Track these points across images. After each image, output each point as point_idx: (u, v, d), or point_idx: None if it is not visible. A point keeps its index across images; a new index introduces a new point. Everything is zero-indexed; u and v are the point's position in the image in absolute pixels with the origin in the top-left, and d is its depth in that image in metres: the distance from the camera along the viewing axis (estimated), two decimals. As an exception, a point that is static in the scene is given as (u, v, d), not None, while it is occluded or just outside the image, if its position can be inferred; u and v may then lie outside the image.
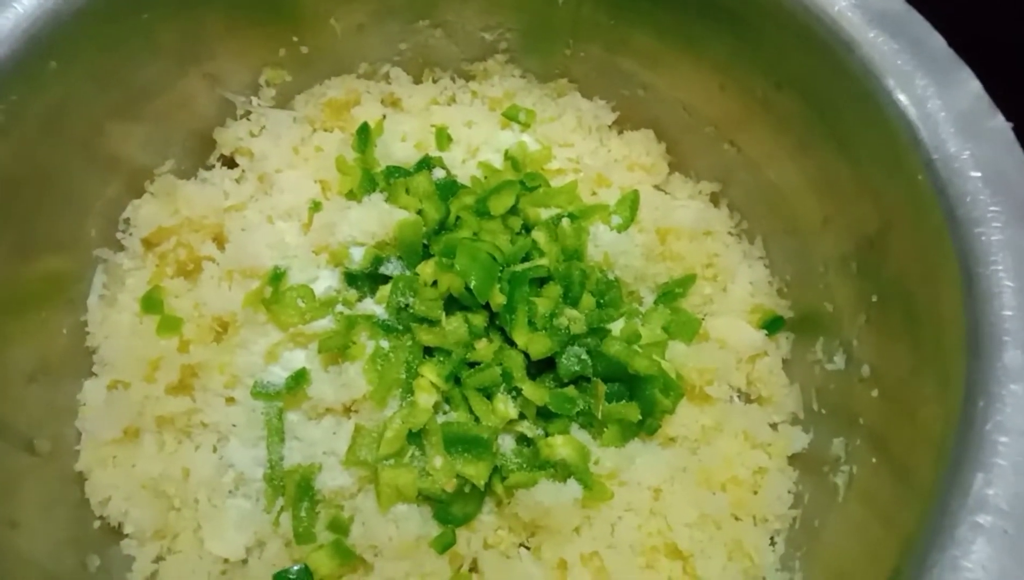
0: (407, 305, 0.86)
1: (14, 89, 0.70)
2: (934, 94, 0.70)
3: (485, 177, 1.00)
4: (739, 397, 0.95)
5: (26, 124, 0.72)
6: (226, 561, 0.82)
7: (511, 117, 1.06)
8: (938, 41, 0.73)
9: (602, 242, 0.94)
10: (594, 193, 1.03)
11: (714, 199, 1.04)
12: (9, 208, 0.75)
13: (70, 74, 0.75)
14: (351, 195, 0.94)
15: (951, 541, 0.53)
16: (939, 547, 0.53)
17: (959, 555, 0.53)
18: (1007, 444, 0.55)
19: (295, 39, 0.96)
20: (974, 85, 0.70)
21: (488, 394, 0.84)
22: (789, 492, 0.86)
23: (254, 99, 0.99)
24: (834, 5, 0.75)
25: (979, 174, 0.66)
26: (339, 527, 0.80)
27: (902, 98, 0.71)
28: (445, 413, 0.84)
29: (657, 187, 1.06)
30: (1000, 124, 0.68)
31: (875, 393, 0.76)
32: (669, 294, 0.97)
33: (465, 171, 1.01)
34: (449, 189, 0.95)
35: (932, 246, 0.67)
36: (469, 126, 1.05)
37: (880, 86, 0.72)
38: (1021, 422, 0.56)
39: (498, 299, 0.86)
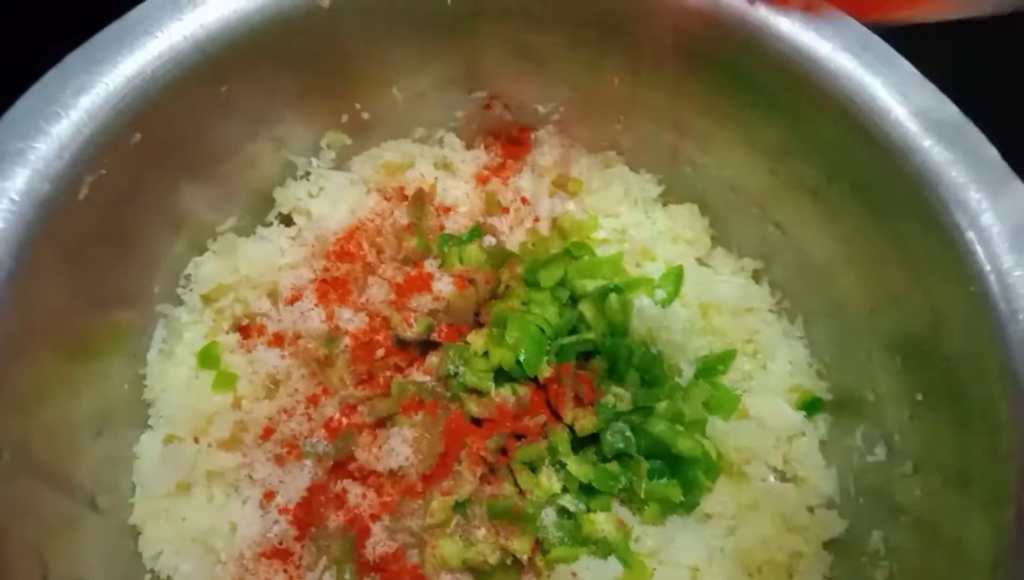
0: (456, 373, 0.88)
1: (102, 163, 0.73)
2: (988, 207, 0.72)
3: (533, 244, 1.02)
4: (775, 476, 0.96)
5: (109, 193, 0.75)
6: (269, 618, 0.84)
7: (559, 186, 1.09)
8: (992, 153, 0.74)
9: (646, 316, 0.96)
10: (638, 265, 1.05)
11: (755, 276, 1.06)
12: (87, 265, 0.78)
13: (151, 144, 0.78)
14: (406, 261, 0.97)
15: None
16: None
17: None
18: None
19: (358, 106, 0.99)
20: (1027, 199, 0.72)
21: (533, 467, 0.86)
22: (825, 577, 0.87)
23: (314, 160, 1.02)
24: (891, 111, 0.77)
25: (1032, 291, 0.67)
26: (382, 592, 0.82)
27: (956, 208, 0.72)
28: (490, 484, 0.86)
29: (699, 260, 1.08)
30: (1053, 240, 0.70)
31: (918, 493, 0.77)
32: (710, 369, 0.98)
33: (514, 237, 1.03)
34: (499, 257, 0.98)
35: (983, 357, 0.69)
36: (518, 193, 1.08)
37: (934, 194, 0.74)
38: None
39: (546, 373, 0.88)
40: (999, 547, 0.61)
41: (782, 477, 0.96)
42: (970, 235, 0.71)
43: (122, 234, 0.83)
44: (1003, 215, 0.71)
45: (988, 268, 0.70)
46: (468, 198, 1.05)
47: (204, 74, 0.79)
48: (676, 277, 1.01)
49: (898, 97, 0.77)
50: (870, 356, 0.89)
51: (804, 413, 0.97)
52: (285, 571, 0.86)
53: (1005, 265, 0.69)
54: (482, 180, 1.08)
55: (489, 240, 1.00)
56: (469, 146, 1.11)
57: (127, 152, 0.75)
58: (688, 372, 0.99)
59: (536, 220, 1.06)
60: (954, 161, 0.74)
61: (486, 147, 1.11)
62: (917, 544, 0.76)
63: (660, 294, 1.00)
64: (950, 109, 0.77)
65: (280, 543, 0.87)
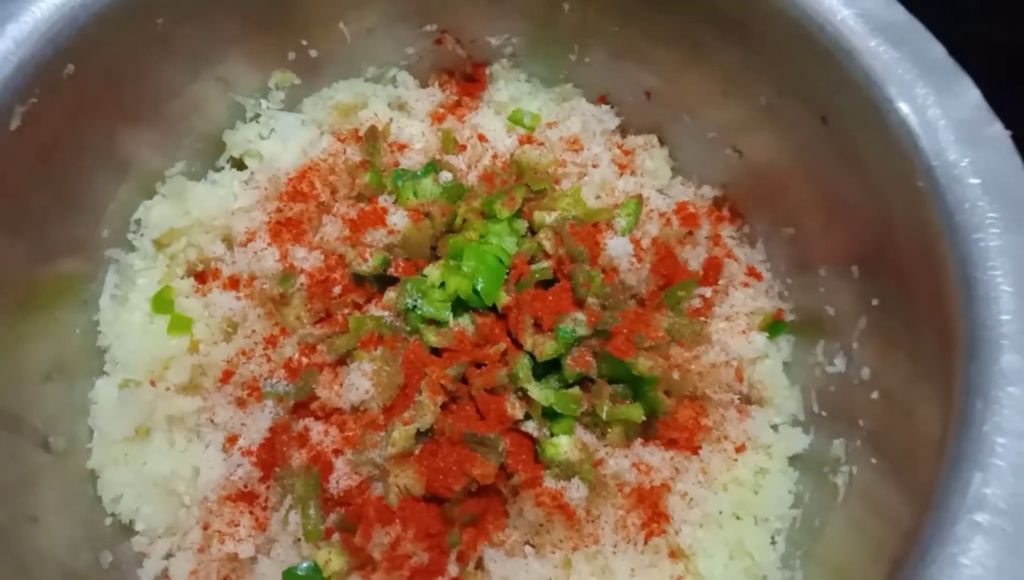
0: (415, 306, 0.87)
1: (33, 92, 0.71)
2: (934, 103, 0.71)
3: (491, 180, 1.01)
4: (740, 399, 0.96)
5: (44, 127, 0.74)
6: (236, 558, 0.83)
7: (516, 121, 1.07)
8: (938, 50, 0.74)
9: (606, 245, 0.96)
10: (598, 197, 1.04)
11: (716, 203, 1.06)
12: (27, 209, 0.77)
13: (86, 77, 0.77)
14: (360, 197, 0.96)
15: (950, 538, 0.55)
16: (938, 544, 0.55)
17: (958, 552, 0.54)
18: (1005, 445, 0.57)
19: (304, 42, 0.98)
20: (974, 94, 0.72)
21: (495, 394, 0.85)
22: (790, 492, 0.88)
23: (263, 102, 1.00)
24: (837, 14, 0.77)
25: (978, 181, 0.67)
26: (347, 525, 0.82)
27: (903, 106, 0.72)
28: (452, 412, 0.85)
29: (660, 191, 1.07)
30: (999, 132, 0.70)
31: (875, 395, 0.77)
32: (671, 297, 0.98)
33: (472, 175, 1.02)
34: (456, 192, 0.97)
35: (932, 252, 0.69)
36: (474, 129, 1.06)
37: (881, 94, 0.74)
38: (1018, 423, 0.58)
39: (504, 301, 0.87)
40: (947, 437, 0.62)
41: (747, 400, 0.97)
42: (916, 131, 0.71)
43: (63, 176, 0.81)
44: (949, 110, 0.71)
45: (935, 163, 0.69)
46: (423, 136, 1.03)
47: (136, 4, 0.77)
48: (635, 206, 1.01)
49: (843, -1, 0.76)
50: (828, 271, 0.89)
51: (767, 335, 0.97)
52: (251, 513, 0.85)
53: (951, 157, 0.69)
54: (438, 118, 1.07)
55: (445, 176, 0.98)
56: (423, 84, 1.09)
57: (60, 84, 0.74)
58: (651, 302, 0.99)
59: (494, 157, 1.04)
60: (900, 60, 0.74)
61: (440, 85, 1.10)
62: (873, 446, 0.76)
63: (620, 223, 0.99)
64: (896, 10, 0.77)
65: (245, 486, 0.86)
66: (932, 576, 0.53)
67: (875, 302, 0.79)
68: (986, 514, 0.55)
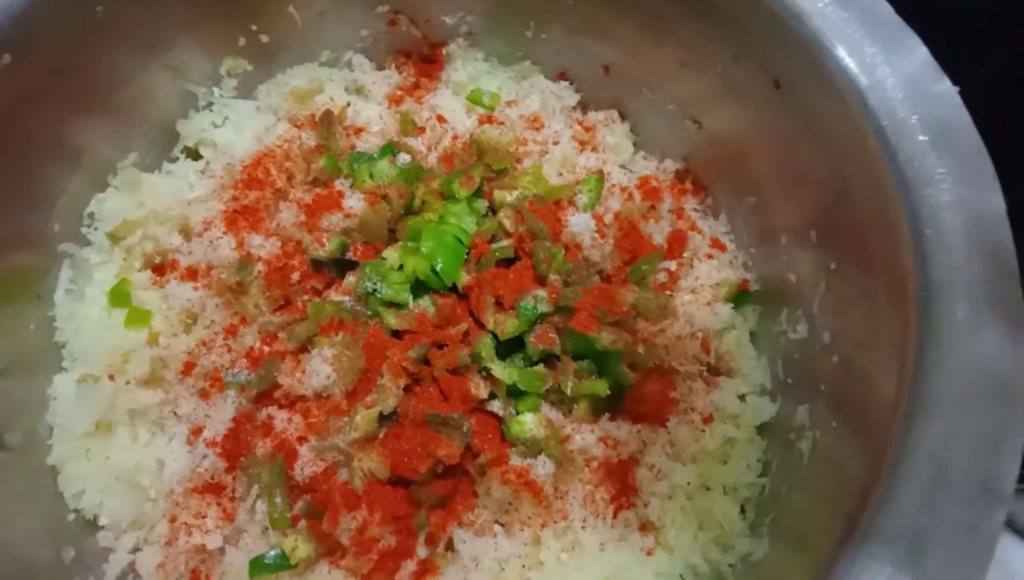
0: (374, 289, 0.87)
1: (-32, 83, 0.70)
2: (883, 61, 0.71)
3: (451, 161, 1.00)
4: (707, 370, 0.95)
5: (-17, 119, 0.72)
6: (204, 550, 0.82)
7: (475, 101, 1.06)
8: (886, 9, 0.74)
9: (568, 222, 0.95)
10: (560, 174, 1.03)
11: (679, 176, 1.05)
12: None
13: (26, 67, 0.75)
14: (316, 182, 0.95)
15: (898, 489, 0.55)
16: (886, 495, 0.55)
17: (905, 502, 0.54)
18: (955, 396, 0.57)
19: (254, 27, 0.96)
20: (921, 51, 0.71)
21: (458, 374, 0.84)
22: (758, 461, 0.87)
23: (216, 90, 0.99)
24: (785, -24, 0.76)
25: (927, 137, 0.67)
26: (314, 512, 0.81)
27: (852, 65, 0.72)
28: (416, 395, 0.84)
29: (622, 166, 1.07)
30: (947, 88, 0.70)
31: (835, 358, 0.77)
32: (636, 271, 0.97)
33: (431, 156, 1.01)
34: (414, 173, 0.96)
35: (885, 209, 0.68)
36: (433, 111, 1.05)
37: (830, 55, 0.73)
38: (968, 374, 0.57)
39: (465, 281, 0.86)
40: (901, 390, 0.61)
41: (715, 371, 0.96)
42: (865, 90, 0.71)
43: (10, 169, 0.80)
44: (897, 67, 0.71)
45: (884, 120, 0.69)
46: (381, 119, 1.02)
47: (71, -11, 0.76)
48: (596, 182, 1.00)
49: (790, -39, 0.76)
50: (789, 238, 0.89)
51: (732, 306, 0.97)
52: (218, 504, 0.85)
53: (901, 114, 0.68)
54: (395, 101, 1.05)
55: (404, 158, 0.97)
56: (380, 67, 1.08)
57: (-3, 75, 0.72)
58: (615, 277, 0.98)
59: (454, 137, 1.03)
60: (848, 20, 0.74)
61: (397, 67, 1.08)
62: (834, 409, 0.76)
63: (582, 200, 0.99)
64: (844, -30, 0.76)
65: (211, 477, 0.85)
66: (879, 526, 0.53)
67: (833, 266, 0.79)
68: (933, 465, 0.55)
